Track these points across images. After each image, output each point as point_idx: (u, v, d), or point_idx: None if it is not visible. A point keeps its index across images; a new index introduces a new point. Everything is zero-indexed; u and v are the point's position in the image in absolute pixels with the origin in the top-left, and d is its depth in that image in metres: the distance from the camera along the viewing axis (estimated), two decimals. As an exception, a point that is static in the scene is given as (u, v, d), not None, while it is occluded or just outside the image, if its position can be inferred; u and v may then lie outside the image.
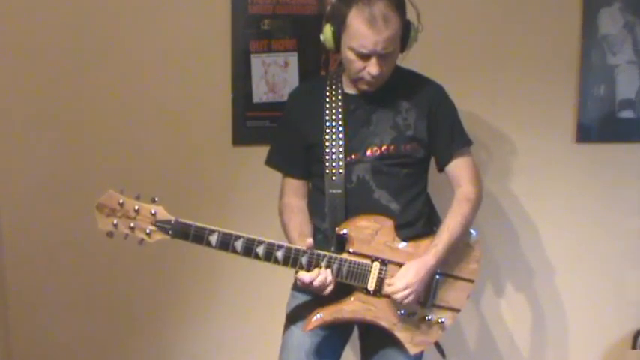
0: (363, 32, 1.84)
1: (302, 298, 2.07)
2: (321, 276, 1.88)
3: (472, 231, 2.07)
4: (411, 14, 1.95)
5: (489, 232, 2.63)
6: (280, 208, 2.10)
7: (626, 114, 2.74)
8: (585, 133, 2.73)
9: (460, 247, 2.04)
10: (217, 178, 2.58)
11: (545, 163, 2.75)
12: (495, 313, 2.82)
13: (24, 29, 2.45)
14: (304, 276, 1.88)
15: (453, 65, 2.58)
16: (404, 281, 1.92)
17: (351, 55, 1.90)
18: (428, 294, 2.00)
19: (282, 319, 2.13)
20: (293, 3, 2.53)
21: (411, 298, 1.93)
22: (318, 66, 2.57)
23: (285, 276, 2.14)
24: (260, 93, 2.57)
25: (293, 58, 2.57)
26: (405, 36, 1.92)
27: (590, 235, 2.82)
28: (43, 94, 2.50)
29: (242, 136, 2.59)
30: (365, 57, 1.88)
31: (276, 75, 2.57)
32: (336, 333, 2.10)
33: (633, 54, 2.69)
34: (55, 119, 2.52)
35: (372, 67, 1.88)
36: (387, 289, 1.94)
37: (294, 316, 2.08)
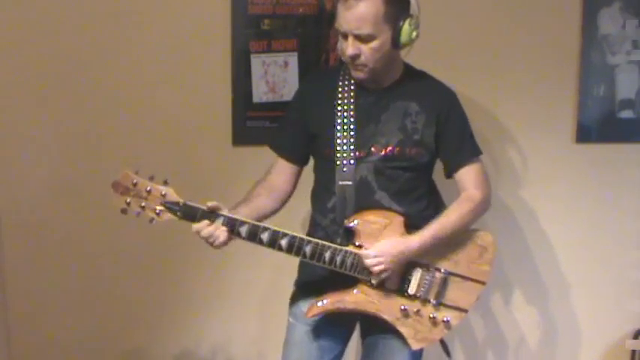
0: (338, 10, 1.88)
1: (305, 293, 2.07)
2: (209, 228, 1.85)
3: (489, 233, 2.07)
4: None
5: (487, 230, 2.63)
6: (259, 179, 2.09)
7: (626, 114, 2.74)
8: (585, 133, 2.73)
9: (473, 248, 2.04)
10: (217, 178, 2.58)
11: (545, 163, 2.75)
12: (495, 313, 2.83)
13: (24, 30, 2.45)
14: (193, 226, 1.86)
15: (452, 65, 2.57)
16: (376, 249, 1.92)
17: (340, 39, 1.93)
18: (420, 287, 1.99)
19: (286, 315, 2.14)
20: (293, 3, 2.53)
21: (379, 267, 1.92)
22: (318, 66, 2.57)
23: (288, 272, 2.15)
24: (260, 93, 2.57)
25: (293, 58, 2.56)
26: (396, 27, 1.88)
27: (590, 235, 2.82)
28: (44, 95, 2.50)
29: (242, 136, 2.59)
30: (345, 37, 1.89)
31: (276, 75, 2.57)
32: (338, 329, 2.11)
33: (633, 54, 2.70)
34: (54, 120, 2.52)
35: (348, 47, 1.89)
36: (362, 252, 1.93)
37: (297, 312, 2.09)
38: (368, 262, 1.92)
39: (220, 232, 1.86)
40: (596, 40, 2.67)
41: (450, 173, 2.07)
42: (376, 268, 1.92)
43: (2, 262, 2.57)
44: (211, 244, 1.88)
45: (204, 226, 1.85)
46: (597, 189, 2.79)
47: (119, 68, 2.51)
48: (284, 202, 2.10)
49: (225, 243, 1.88)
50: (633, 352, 2.85)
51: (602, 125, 2.73)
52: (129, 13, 2.49)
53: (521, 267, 2.80)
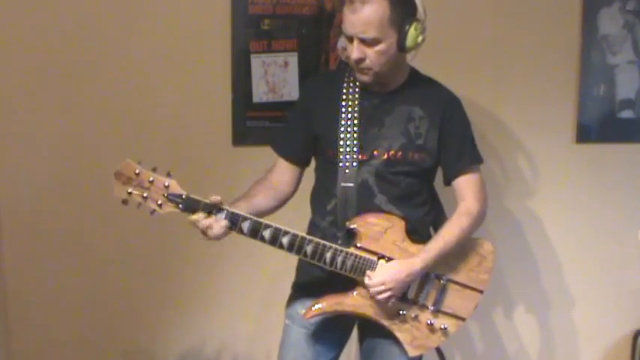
0: (344, 14, 1.88)
1: (302, 296, 2.07)
2: (208, 220, 1.82)
3: (489, 242, 2.07)
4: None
5: (488, 231, 2.63)
6: (260, 178, 2.08)
7: (626, 114, 2.74)
8: (585, 133, 2.73)
9: (473, 256, 2.04)
10: (217, 178, 2.58)
11: (545, 163, 2.75)
12: (492, 313, 2.83)
13: (26, 28, 2.45)
14: (190, 217, 1.83)
15: (453, 65, 2.57)
16: (381, 277, 1.91)
17: (341, 40, 1.92)
18: (419, 292, 1.99)
19: (282, 317, 2.13)
20: (293, 3, 2.54)
21: (385, 295, 1.91)
22: (318, 66, 2.57)
23: (285, 274, 2.14)
24: (260, 93, 2.57)
25: (293, 58, 2.57)
26: (402, 31, 1.87)
27: (590, 235, 2.82)
28: (44, 94, 2.50)
29: (242, 136, 2.59)
30: (350, 41, 1.89)
31: (276, 75, 2.57)
32: (334, 333, 2.10)
33: (633, 54, 2.70)
34: (54, 119, 2.52)
35: (353, 51, 1.88)
36: (365, 281, 1.93)
37: (293, 313, 2.08)
38: (373, 290, 1.91)
39: (217, 224, 1.82)
40: (596, 40, 2.67)
41: (448, 180, 2.06)
42: (381, 297, 1.91)
43: (2, 261, 2.57)
44: (205, 234, 1.84)
45: (201, 218, 1.82)
46: (597, 189, 2.79)
47: (119, 68, 2.51)
48: (284, 202, 2.09)
49: (219, 237, 1.85)
50: (633, 352, 2.86)
51: (602, 125, 2.73)
52: (129, 13, 2.49)
53: (520, 267, 2.80)
